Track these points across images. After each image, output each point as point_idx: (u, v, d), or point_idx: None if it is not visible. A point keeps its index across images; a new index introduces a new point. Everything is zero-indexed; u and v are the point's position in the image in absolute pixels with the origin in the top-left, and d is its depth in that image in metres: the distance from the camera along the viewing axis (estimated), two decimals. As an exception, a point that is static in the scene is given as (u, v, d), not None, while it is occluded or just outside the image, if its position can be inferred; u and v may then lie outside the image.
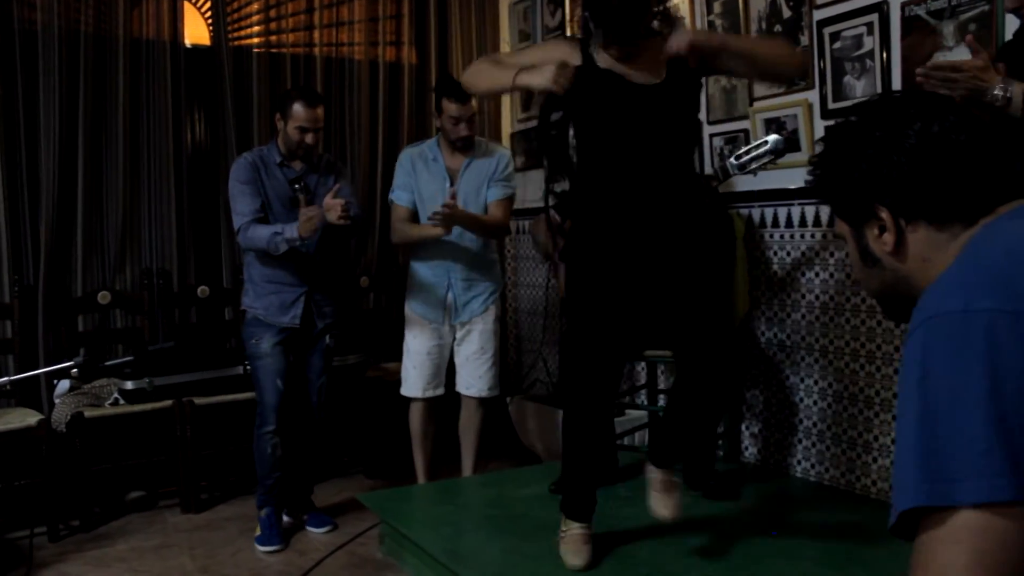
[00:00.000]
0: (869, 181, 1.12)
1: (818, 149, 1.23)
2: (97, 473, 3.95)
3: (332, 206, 3.35)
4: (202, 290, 4.42)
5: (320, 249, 3.63)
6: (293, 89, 4.00)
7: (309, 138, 3.55)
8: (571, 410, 2.86)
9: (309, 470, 3.88)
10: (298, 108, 3.53)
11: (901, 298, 1.15)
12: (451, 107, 3.73)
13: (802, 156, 3.48)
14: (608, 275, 2.67)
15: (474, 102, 3.79)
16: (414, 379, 3.88)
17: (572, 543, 2.81)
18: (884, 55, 3.23)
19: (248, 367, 3.78)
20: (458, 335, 3.92)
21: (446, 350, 3.92)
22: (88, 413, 3.81)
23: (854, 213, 1.17)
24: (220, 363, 4.18)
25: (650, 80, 2.62)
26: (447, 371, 3.95)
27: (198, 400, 4.00)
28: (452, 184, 3.78)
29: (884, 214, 1.12)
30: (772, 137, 2.90)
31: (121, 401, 3.94)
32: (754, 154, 2.86)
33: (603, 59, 2.63)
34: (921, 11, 3.11)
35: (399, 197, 3.85)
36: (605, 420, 2.86)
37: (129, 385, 3.96)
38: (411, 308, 3.91)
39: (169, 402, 3.97)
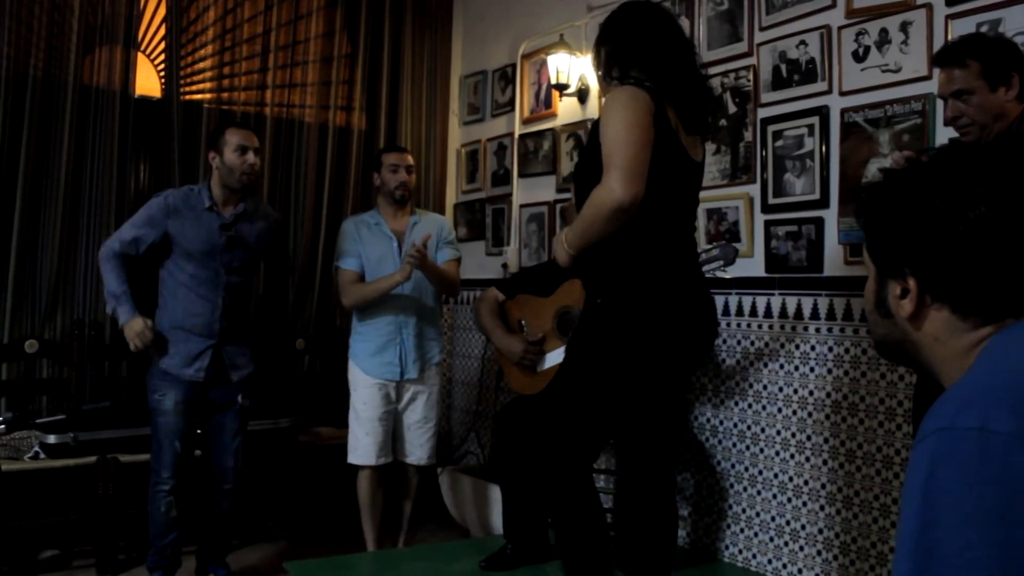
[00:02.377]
0: (910, 247, 1.06)
1: (877, 179, 1.15)
2: (9, 530, 3.80)
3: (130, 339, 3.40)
4: (134, 345, 4.31)
5: (233, 300, 3.54)
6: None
7: (251, 156, 3.49)
8: (569, 498, 2.48)
9: (224, 534, 3.75)
10: (231, 131, 3.51)
11: (903, 353, 1.13)
12: (390, 156, 3.92)
13: (743, 247, 3.60)
14: (649, 359, 2.37)
15: (411, 157, 3.99)
16: (366, 446, 3.82)
17: None
18: (824, 155, 3.37)
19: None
20: (404, 399, 3.90)
21: (393, 416, 3.90)
22: (5, 467, 3.68)
23: (884, 264, 1.11)
24: (148, 419, 4.06)
25: (695, 156, 2.44)
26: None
27: (123, 457, 3.89)
28: (400, 244, 3.82)
29: (912, 283, 1.07)
30: (720, 246, 2.97)
31: (42, 455, 3.81)
32: (704, 259, 2.89)
33: (673, 117, 2.35)
34: (859, 118, 3.26)
35: (347, 263, 3.85)
36: (603, 516, 2.55)
37: (52, 439, 3.83)
38: (361, 370, 3.86)
39: (93, 458, 3.85)
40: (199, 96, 4.65)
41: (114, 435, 3.94)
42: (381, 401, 3.85)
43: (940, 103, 2.85)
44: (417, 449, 3.93)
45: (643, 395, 2.44)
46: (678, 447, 2.65)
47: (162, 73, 4.56)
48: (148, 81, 4.55)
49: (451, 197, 5.46)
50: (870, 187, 1.14)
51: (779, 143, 3.55)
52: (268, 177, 4.78)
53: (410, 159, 3.97)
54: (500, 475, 3.70)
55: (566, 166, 4.56)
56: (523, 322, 3.69)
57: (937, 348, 1.07)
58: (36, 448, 3.81)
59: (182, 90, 4.56)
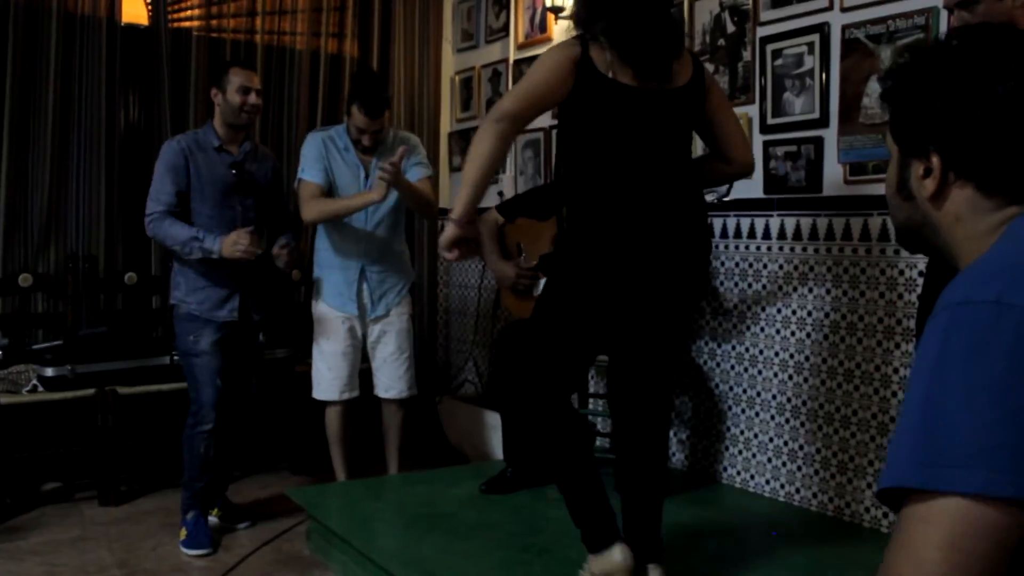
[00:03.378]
0: (936, 124, 1.04)
1: (901, 60, 1.11)
2: (11, 463, 3.82)
3: (280, 255, 3.41)
4: (129, 277, 4.30)
5: None
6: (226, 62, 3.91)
7: (252, 97, 3.47)
8: (539, 423, 2.47)
9: (230, 466, 3.79)
10: (235, 71, 3.48)
11: (921, 238, 1.12)
12: (359, 118, 3.60)
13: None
14: (597, 283, 2.42)
15: (386, 115, 3.70)
16: (329, 382, 3.76)
17: (607, 569, 2.39)
18: (824, 74, 3.31)
19: (176, 359, 3.68)
20: (372, 335, 3.81)
21: (359, 351, 3.81)
22: (4, 400, 3.68)
23: (906, 142, 1.09)
24: (146, 352, 4.07)
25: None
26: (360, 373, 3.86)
27: (122, 389, 3.89)
28: (367, 174, 3.68)
29: (936, 161, 1.04)
30: None
31: (40, 388, 3.81)
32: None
33: (603, 62, 2.40)
34: (860, 34, 3.20)
35: (312, 175, 3.63)
36: (581, 425, 2.55)
37: (49, 372, 3.83)
38: (323, 304, 3.77)
39: (91, 391, 3.86)
40: (187, 24, 4.56)
41: (112, 367, 3.95)
42: (345, 335, 3.74)
43: (944, 15, 2.80)
44: (396, 382, 3.83)
45: (602, 313, 2.44)
46: (670, 373, 2.63)
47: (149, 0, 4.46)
48: (135, 8, 4.45)
49: (445, 126, 5.39)
50: (896, 67, 1.12)
51: (778, 62, 3.48)
52: (259, 116, 4.69)
53: (383, 121, 3.67)
54: (498, 400, 3.71)
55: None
56: (521, 246, 3.67)
57: (958, 229, 1.05)
58: (34, 381, 3.81)
59: (170, 17, 4.47)
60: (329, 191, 3.67)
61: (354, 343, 3.78)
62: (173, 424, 3.66)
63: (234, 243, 3.29)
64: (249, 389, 3.67)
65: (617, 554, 2.36)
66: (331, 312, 3.75)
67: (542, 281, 3.51)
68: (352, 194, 3.65)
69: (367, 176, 3.69)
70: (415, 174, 3.69)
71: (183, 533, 3.46)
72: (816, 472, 3.34)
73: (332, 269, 3.76)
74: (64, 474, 4.06)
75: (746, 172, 2.66)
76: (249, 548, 3.40)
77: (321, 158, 3.66)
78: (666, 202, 2.44)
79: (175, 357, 3.80)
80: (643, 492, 2.55)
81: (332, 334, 3.74)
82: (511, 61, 4.85)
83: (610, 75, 2.38)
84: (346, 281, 3.73)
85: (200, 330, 3.46)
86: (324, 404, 3.81)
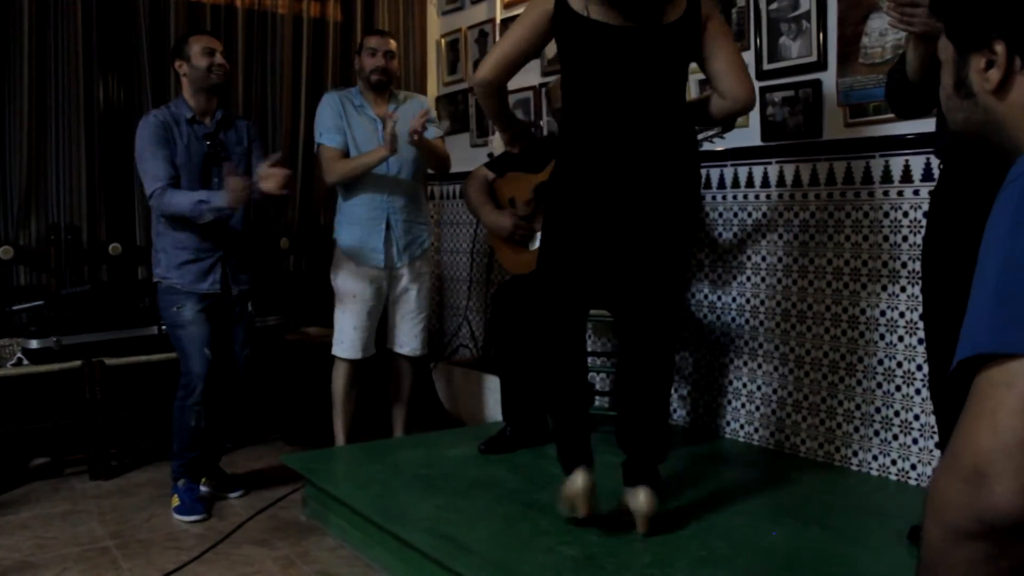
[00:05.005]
0: (999, 8, 1.00)
1: None
2: (-2, 437, 3.73)
3: (270, 175, 3.25)
4: (113, 247, 4.19)
5: (232, 215, 3.44)
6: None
7: (218, 57, 3.40)
8: (545, 353, 2.62)
9: (222, 437, 3.71)
10: (195, 38, 3.43)
11: (983, 140, 1.07)
12: (371, 40, 3.79)
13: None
14: (584, 221, 2.50)
15: (393, 42, 3.84)
16: (352, 341, 3.77)
17: (569, 492, 2.52)
18: (820, 17, 3.24)
19: (165, 330, 3.60)
20: (396, 289, 3.85)
21: (381, 309, 3.85)
22: (-11, 373, 3.60)
23: (966, 37, 1.05)
24: (133, 322, 3.98)
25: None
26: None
27: (109, 361, 3.80)
28: (385, 128, 3.65)
29: (1000, 48, 1.00)
30: None
31: (25, 361, 3.72)
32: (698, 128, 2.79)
33: (580, 2, 2.44)
34: (858, -28, 3.12)
35: (331, 139, 3.72)
36: (581, 364, 2.65)
37: (34, 344, 3.74)
38: (347, 257, 3.78)
39: (78, 362, 3.76)
40: (165, -12, 4.44)
41: (98, 338, 3.86)
42: (371, 294, 3.77)
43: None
44: (411, 340, 3.90)
45: (596, 237, 2.51)
46: (671, 324, 2.60)
47: (124, -36, 4.35)
48: (110, -26, 4.33)
49: (432, 90, 5.29)
50: None
51: (773, 6, 3.40)
52: (242, 74, 4.60)
53: (392, 44, 3.82)
54: (498, 357, 3.65)
55: (550, 47, 4.38)
56: (513, 199, 3.59)
57: None
58: (19, 354, 3.72)
59: (147, -18, 4.35)
60: (347, 152, 3.73)
61: (378, 302, 3.82)
62: (163, 396, 3.59)
63: (237, 191, 3.22)
64: (241, 360, 3.57)
65: (579, 478, 2.47)
66: (357, 269, 3.76)
67: (539, 234, 3.44)
68: (368, 150, 3.70)
69: (384, 129, 3.68)
70: (430, 133, 3.79)
71: (175, 500, 3.39)
72: (821, 422, 3.28)
73: (357, 224, 3.76)
74: (53, 449, 3.97)
75: (737, 107, 2.57)
76: (244, 516, 3.32)
77: (338, 116, 3.72)
78: (648, 137, 2.46)
79: (163, 327, 3.71)
80: (644, 439, 2.55)
81: (359, 291, 3.75)
82: (497, 20, 4.75)
83: (584, 14, 2.43)
84: (373, 232, 3.75)
85: (183, 301, 3.38)
86: (333, 363, 3.83)
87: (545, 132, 4.38)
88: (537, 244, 3.45)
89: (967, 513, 0.83)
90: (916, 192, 2.97)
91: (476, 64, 4.90)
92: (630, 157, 2.45)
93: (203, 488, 3.53)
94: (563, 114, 2.60)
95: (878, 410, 3.10)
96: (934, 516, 0.88)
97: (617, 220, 2.49)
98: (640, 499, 2.48)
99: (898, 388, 3.04)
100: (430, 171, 4.05)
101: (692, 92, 3.52)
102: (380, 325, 3.89)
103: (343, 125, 3.72)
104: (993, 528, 0.82)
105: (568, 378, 2.59)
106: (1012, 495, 0.80)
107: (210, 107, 3.46)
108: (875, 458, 3.11)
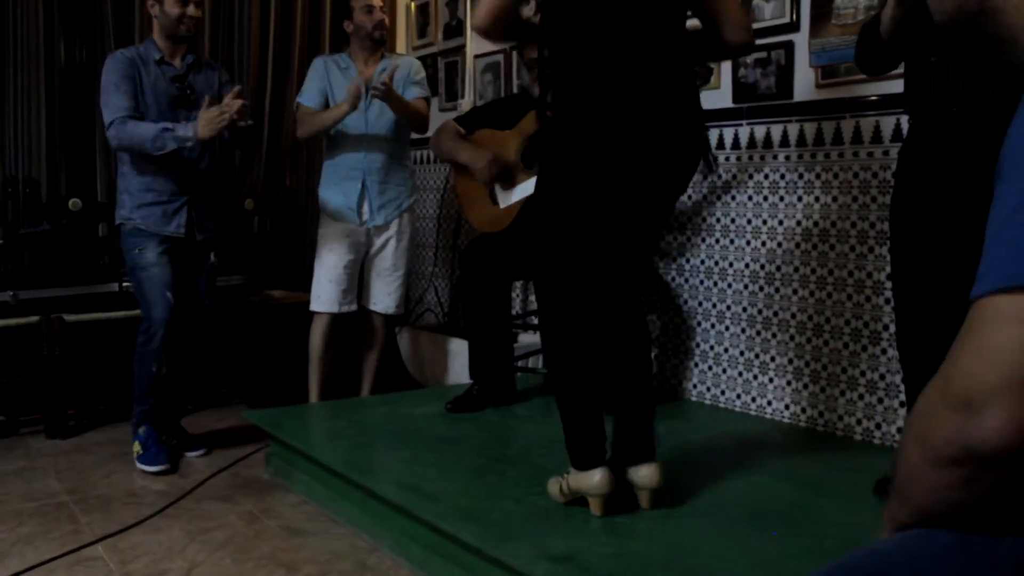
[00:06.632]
0: None
1: None
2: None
3: (233, 104, 3.17)
4: (74, 202, 4.09)
5: (202, 157, 3.41)
6: None
7: (191, 9, 3.32)
8: (572, 342, 2.35)
9: (183, 390, 3.65)
10: None
11: (976, 29, 0.97)
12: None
13: (711, 81, 3.49)
14: (602, 185, 2.29)
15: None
16: (329, 293, 3.78)
17: (584, 486, 2.33)
18: (794, -23, 3.24)
19: (127, 282, 3.53)
20: (373, 248, 3.86)
21: (359, 265, 3.86)
22: (-58, 327, 3.50)
23: None
24: (93, 278, 3.90)
25: None
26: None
27: (68, 317, 3.72)
28: (368, 88, 3.61)
29: None
30: None
31: (-21, 315, 3.63)
32: None
33: None
34: (832, -68, 3.12)
35: (307, 99, 3.78)
36: (611, 347, 2.42)
37: (-11, 298, 3.65)
38: (327, 213, 3.82)
39: (35, 318, 3.68)
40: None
41: (58, 293, 3.78)
42: (347, 248, 3.79)
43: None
44: (385, 297, 3.90)
45: (603, 199, 2.31)
46: (641, 281, 2.53)
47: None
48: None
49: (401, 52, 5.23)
50: None
51: (747, -33, 3.39)
52: (209, 35, 4.53)
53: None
54: (465, 315, 3.62)
55: (524, 8, 4.35)
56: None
57: None
58: (-27, 308, 3.63)
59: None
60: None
61: (355, 257, 3.82)
62: (123, 355, 3.51)
63: (209, 120, 3.16)
64: (202, 307, 3.51)
65: (598, 477, 2.29)
66: (333, 225, 3.80)
67: (516, 188, 3.41)
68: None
69: (367, 92, 3.63)
70: (412, 93, 3.81)
71: (137, 447, 3.34)
72: (788, 383, 3.30)
73: (335, 182, 3.80)
74: (7, 406, 3.87)
75: (729, 53, 2.57)
76: (206, 474, 3.27)
77: (321, 79, 3.78)
78: (646, 81, 2.31)
79: (124, 284, 3.64)
80: (637, 402, 2.45)
81: (335, 246, 3.78)
82: (469, -16, 4.70)
83: None
84: (348, 191, 3.78)
85: (146, 242, 3.31)
86: (311, 318, 3.83)
87: (515, 89, 4.35)
88: (509, 202, 3.41)
89: (952, 440, 0.81)
90: (886, 153, 2.98)
91: (447, 27, 4.86)
92: (640, 110, 2.28)
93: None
94: (555, 69, 2.37)
95: (844, 370, 3.12)
96: (916, 438, 0.85)
97: (633, 181, 2.30)
98: (643, 472, 2.35)
99: (864, 348, 3.06)
100: (414, 134, 3.99)
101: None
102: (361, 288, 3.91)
103: (325, 87, 3.78)
104: (975, 457, 0.80)
105: (594, 365, 2.35)
106: (1001, 429, 0.77)
107: (178, 51, 3.41)
108: (840, 418, 3.13)
